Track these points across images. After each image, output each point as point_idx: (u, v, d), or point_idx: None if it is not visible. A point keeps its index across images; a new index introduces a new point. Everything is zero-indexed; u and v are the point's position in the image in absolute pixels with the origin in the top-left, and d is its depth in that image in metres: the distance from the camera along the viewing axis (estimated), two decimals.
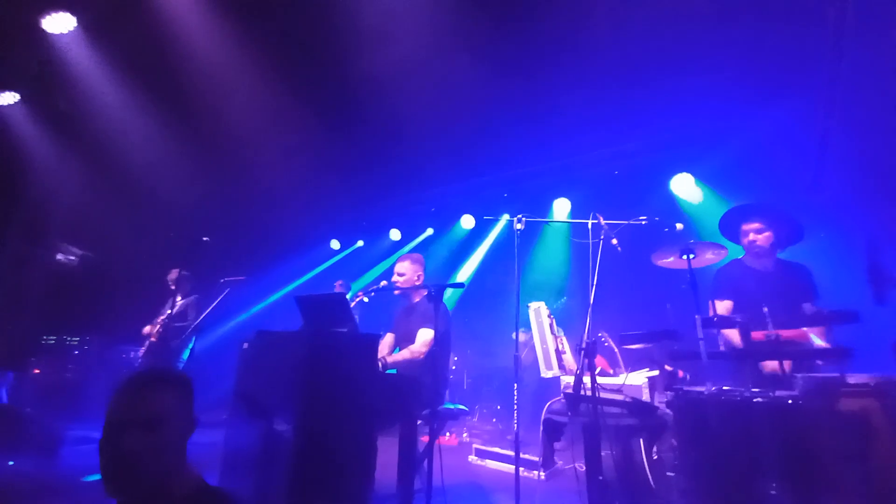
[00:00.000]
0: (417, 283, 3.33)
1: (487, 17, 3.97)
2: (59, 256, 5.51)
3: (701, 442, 2.02)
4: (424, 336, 3.02)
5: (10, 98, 5.07)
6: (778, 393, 1.90)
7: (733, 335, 2.74)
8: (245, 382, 2.73)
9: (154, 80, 4.90)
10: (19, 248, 5.34)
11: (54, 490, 3.10)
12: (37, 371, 5.06)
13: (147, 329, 4.78)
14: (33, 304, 5.30)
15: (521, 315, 3.01)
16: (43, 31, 4.34)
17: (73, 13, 4.31)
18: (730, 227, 3.03)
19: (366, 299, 3.72)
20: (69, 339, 5.34)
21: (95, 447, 1.08)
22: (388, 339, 3.39)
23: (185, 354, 4.68)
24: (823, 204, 4.12)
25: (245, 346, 2.82)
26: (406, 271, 3.35)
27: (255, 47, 4.46)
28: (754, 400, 1.89)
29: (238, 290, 4.73)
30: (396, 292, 3.40)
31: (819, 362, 2.47)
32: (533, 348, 3.39)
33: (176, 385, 1.19)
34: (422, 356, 2.94)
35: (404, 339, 3.24)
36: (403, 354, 2.99)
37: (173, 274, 4.88)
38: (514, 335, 4.81)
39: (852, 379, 1.79)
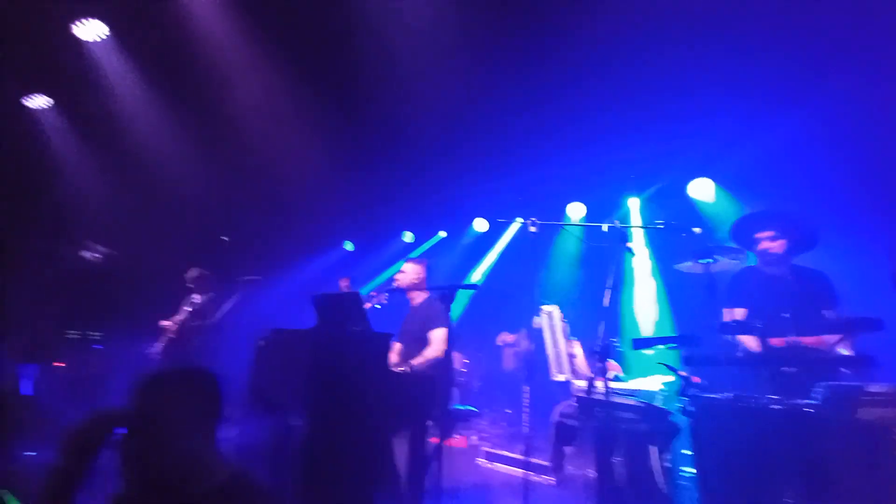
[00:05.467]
0: (416, 283, 3.41)
1: (505, 20, 3.99)
2: (86, 254, 5.69)
3: (716, 449, 1.99)
4: (440, 334, 3.06)
5: (42, 101, 5.30)
6: (796, 400, 1.86)
7: (748, 341, 2.68)
8: (260, 379, 2.78)
9: (177, 84, 5.06)
10: (46, 245, 5.55)
11: None
12: (60, 364, 5.21)
13: (166, 323, 4.87)
14: (59, 300, 5.48)
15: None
16: (75, 37, 4.53)
17: (103, 20, 4.49)
18: (742, 234, 2.97)
19: (378, 306, 3.76)
20: (92, 334, 5.50)
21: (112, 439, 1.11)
22: (396, 348, 3.41)
23: (209, 351, 4.75)
24: (843, 209, 4.02)
25: (260, 343, 2.88)
26: (406, 270, 3.46)
27: (275, 52, 4.57)
28: (772, 407, 1.85)
29: (254, 289, 4.82)
30: (395, 284, 3.50)
31: (843, 371, 2.40)
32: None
33: (185, 379, 1.21)
34: (442, 354, 2.98)
35: (408, 342, 3.27)
36: (426, 356, 3.02)
37: (193, 272, 4.98)
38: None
39: (873, 387, 1.74)
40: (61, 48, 4.75)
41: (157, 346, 4.85)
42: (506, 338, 5.49)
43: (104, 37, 4.56)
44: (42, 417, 3.75)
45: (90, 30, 4.54)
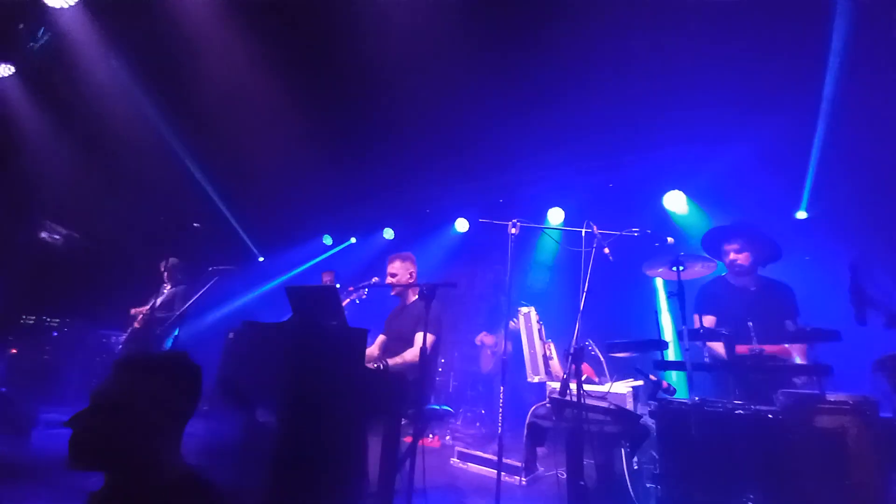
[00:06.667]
0: (411, 282, 3.28)
1: (490, 25, 4.01)
2: (44, 235, 5.39)
3: (682, 451, 2.05)
4: (420, 340, 2.94)
5: (4, 70, 4.98)
6: (759, 407, 1.94)
7: (719, 348, 2.79)
8: (229, 372, 2.70)
9: (152, 62, 4.85)
10: (3, 225, 5.22)
11: (27, 470, 3.03)
12: (14, 351, 4.93)
13: (136, 310, 4.71)
14: (14, 283, 5.18)
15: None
16: (43, 3, 4.28)
17: None
18: (711, 245, 3.10)
19: (357, 301, 3.70)
20: (49, 320, 5.22)
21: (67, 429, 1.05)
22: (379, 340, 3.36)
23: (169, 343, 4.62)
24: (808, 225, 4.24)
25: (231, 335, 2.79)
26: (398, 271, 3.31)
27: (257, 38, 4.45)
28: (736, 412, 1.92)
29: (227, 280, 4.69)
30: (393, 293, 3.35)
31: (798, 380, 2.52)
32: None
33: (158, 369, 1.14)
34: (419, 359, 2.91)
35: (395, 339, 3.21)
36: (404, 357, 2.95)
37: (170, 261, 4.87)
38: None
39: (831, 397, 1.83)
40: (26, 14, 4.47)
41: (122, 336, 4.68)
42: (485, 339, 5.51)
43: (72, 3, 4.31)
44: None
45: None
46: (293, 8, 4.23)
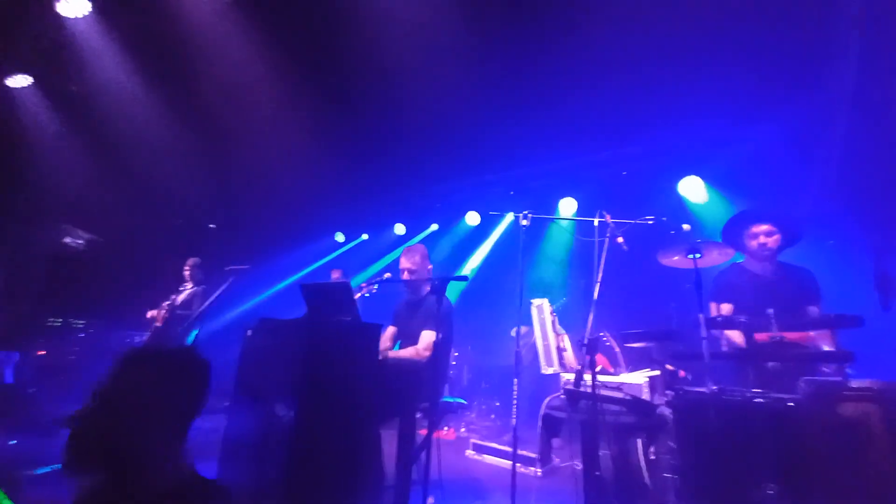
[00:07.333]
0: (425, 273, 3.27)
1: (497, 16, 3.96)
2: (67, 240, 5.56)
3: (700, 442, 2.02)
4: (428, 338, 2.95)
5: (22, 80, 5.12)
6: (778, 395, 1.90)
7: (736, 336, 2.73)
8: (248, 369, 2.75)
9: (164, 67, 4.93)
10: (28, 230, 5.40)
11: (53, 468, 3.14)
12: (41, 353, 5.11)
13: (152, 313, 4.83)
14: (40, 287, 5.36)
15: (524, 312, 3.01)
16: (57, 14, 4.39)
17: None
18: (735, 230, 2.96)
19: (367, 294, 3.72)
20: (74, 322, 5.40)
21: None
22: (389, 332, 3.38)
23: (189, 341, 4.73)
24: (831, 210, 4.10)
25: (248, 333, 2.84)
26: (416, 265, 3.28)
27: (266, 38, 4.49)
28: (755, 401, 1.89)
29: (243, 279, 4.77)
30: (407, 287, 3.34)
31: (823, 367, 2.45)
32: (532, 345, 3.40)
33: (160, 364, 1.07)
34: (424, 359, 2.90)
35: (406, 335, 3.22)
36: (408, 352, 2.96)
37: (192, 261, 4.99)
38: (513, 331, 4.79)
39: (854, 383, 1.78)
40: (42, 24, 4.59)
41: (144, 336, 4.80)
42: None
43: (87, 13, 4.42)
44: (22, 406, 3.68)
45: (72, 6, 4.39)
46: (300, 4, 4.25)
